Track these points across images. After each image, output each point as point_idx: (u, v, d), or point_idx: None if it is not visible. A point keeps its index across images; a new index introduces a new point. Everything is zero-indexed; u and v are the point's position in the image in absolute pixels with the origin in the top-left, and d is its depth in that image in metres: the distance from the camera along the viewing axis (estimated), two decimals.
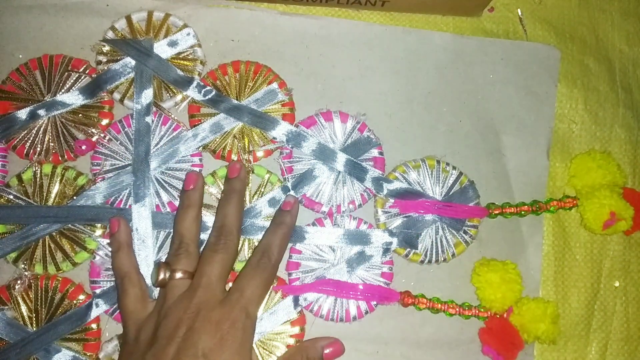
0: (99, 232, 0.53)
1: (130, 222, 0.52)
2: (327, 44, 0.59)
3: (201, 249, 0.50)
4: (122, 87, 0.55)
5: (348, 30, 0.60)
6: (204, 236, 0.51)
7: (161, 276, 0.46)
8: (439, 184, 0.56)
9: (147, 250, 0.52)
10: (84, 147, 0.54)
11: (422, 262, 0.55)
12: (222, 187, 0.54)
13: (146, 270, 0.51)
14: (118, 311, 0.51)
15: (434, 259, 0.55)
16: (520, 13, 0.63)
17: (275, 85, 0.56)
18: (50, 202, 0.53)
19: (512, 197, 0.59)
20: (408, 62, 0.60)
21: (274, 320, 0.52)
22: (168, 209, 0.54)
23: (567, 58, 0.63)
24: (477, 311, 0.55)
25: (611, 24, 0.65)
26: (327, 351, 0.49)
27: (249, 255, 0.53)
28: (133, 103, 0.54)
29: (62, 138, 0.54)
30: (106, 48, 0.56)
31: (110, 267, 0.52)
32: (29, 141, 0.54)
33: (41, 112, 0.54)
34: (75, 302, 0.52)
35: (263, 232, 0.52)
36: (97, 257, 0.53)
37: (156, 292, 0.50)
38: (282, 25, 0.59)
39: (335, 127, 0.56)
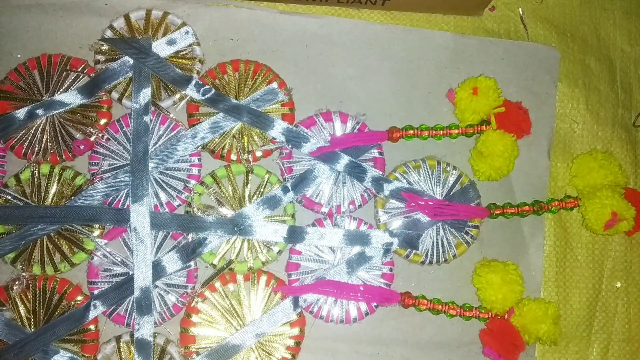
0: (96, 232, 0.53)
1: (129, 223, 0.52)
2: (327, 43, 0.59)
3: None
4: (121, 86, 0.55)
5: (348, 29, 0.59)
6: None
7: None
8: (439, 184, 0.56)
9: (146, 251, 0.51)
10: (82, 147, 0.54)
11: (422, 263, 0.55)
12: (222, 188, 0.54)
13: (144, 270, 0.51)
14: (116, 312, 0.51)
15: (434, 259, 0.55)
16: (521, 12, 0.62)
17: (274, 84, 0.56)
18: (48, 202, 0.53)
19: (513, 197, 0.58)
20: (408, 62, 0.60)
21: (273, 322, 0.52)
22: (166, 209, 0.53)
23: (569, 58, 0.63)
24: (477, 312, 0.55)
25: (613, 23, 0.65)
26: None
27: (248, 255, 0.53)
28: (131, 102, 0.54)
29: (60, 138, 0.54)
30: (104, 47, 0.56)
31: (108, 267, 0.52)
32: (27, 141, 0.54)
33: (39, 111, 0.54)
34: (73, 303, 0.52)
35: (261, 233, 0.52)
36: (95, 258, 0.52)
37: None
38: (282, 25, 0.58)
39: (335, 128, 0.56)
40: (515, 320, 0.54)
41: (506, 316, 0.54)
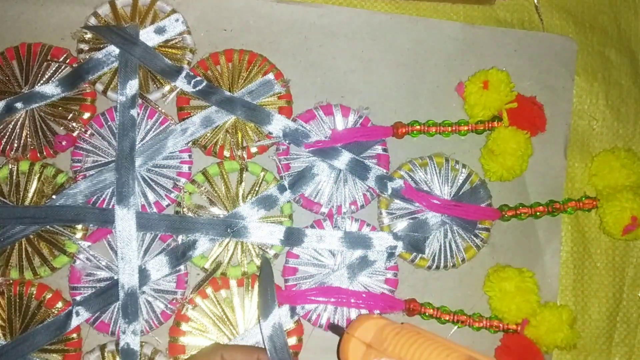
0: (79, 234, 0.52)
1: (114, 224, 0.50)
2: (327, 34, 0.58)
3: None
4: (105, 77, 0.54)
5: (350, 19, 0.58)
6: None
7: None
8: (447, 183, 0.55)
9: (132, 255, 0.50)
10: (64, 143, 0.53)
11: (429, 267, 0.54)
12: (214, 186, 0.53)
13: (130, 274, 0.50)
14: (100, 320, 0.50)
15: (442, 264, 0.54)
16: (536, 1, 0.61)
17: (271, 75, 0.54)
18: (27, 202, 0.52)
19: (527, 199, 0.57)
20: (414, 54, 0.59)
21: None
22: (154, 209, 0.52)
23: (587, 49, 0.61)
24: (488, 323, 0.53)
25: (634, 12, 0.63)
26: None
27: (242, 259, 0.52)
28: (117, 95, 0.53)
29: (40, 133, 0.53)
30: (88, 35, 0.55)
31: (92, 272, 0.51)
32: (6, 136, 0.53)
33: (18, 105, 0.53)
34: (53, 310, 0.50)
35: (256, 235, 0.51)
36: (78, 261, 0.51)
37: None
38: (279, 14, 0.57)
39: (336, 122, 0.55)
40: (530, 332, 0.52)
41: (519, 328, 0.53)
